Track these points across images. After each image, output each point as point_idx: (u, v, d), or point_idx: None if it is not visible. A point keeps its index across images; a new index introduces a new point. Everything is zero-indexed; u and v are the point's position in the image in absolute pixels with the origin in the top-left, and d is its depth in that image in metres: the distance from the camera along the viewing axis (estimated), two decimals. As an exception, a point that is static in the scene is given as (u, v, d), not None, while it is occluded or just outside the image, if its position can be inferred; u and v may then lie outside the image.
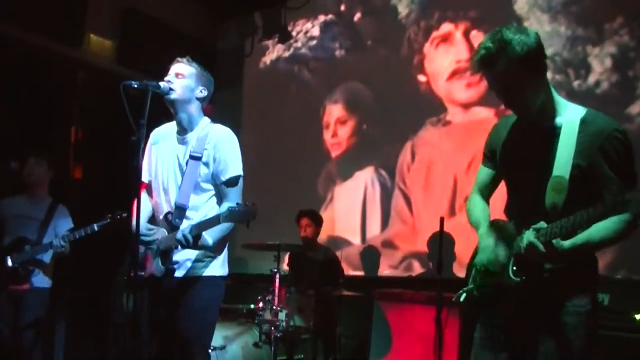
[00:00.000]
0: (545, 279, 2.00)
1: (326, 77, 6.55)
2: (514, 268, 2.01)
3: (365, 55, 6.26)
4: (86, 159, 6.03)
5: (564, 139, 1.98)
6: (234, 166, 2.88)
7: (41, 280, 4.25)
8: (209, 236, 2.73)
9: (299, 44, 6.83)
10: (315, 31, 6.71)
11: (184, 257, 2.80)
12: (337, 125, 6.36)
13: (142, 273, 2.75)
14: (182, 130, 2.93)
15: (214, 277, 2.86)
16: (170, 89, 2.82)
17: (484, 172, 2.31)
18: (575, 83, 4.74)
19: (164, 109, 2.95)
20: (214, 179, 2.86)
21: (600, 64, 4.67)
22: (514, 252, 2.03)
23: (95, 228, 4.00)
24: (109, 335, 4.97)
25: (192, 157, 2.84)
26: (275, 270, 4.57)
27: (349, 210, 6.05)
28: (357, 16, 6.40)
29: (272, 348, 4.39)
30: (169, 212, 2.82)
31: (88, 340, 5.22)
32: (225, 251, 2.97)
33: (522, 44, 1.90)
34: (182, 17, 6.82)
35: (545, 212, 1.94)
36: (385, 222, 5.79)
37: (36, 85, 5.48)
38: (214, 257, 2.86)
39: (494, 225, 2.20)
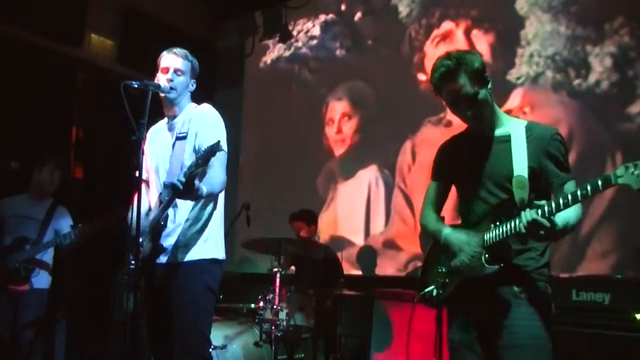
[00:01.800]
0: (512, 265, 2.20)
1: (327, 77, 6.55)
2: (486, 256, 2.20)
3: (365, 55, 6.26)
4: (87, 158, 6.04)
5: (516, 144, 2.24)
6: (213, 135, 2.74)
7: (41, 280, 4.25)
8: (201, 184, 2.60)
9: (299, 44, 6.83)
10: (316, 30, 6.71)
11: (168, 242, 2.77)
12: (341, 121, 6.35)
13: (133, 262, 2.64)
14: (171, 119, 2.96)
15: (202, 261, 2.79)
16: (172, 88, 2.84)
17: (434, 188, 2.57)
18: (576, 82, 4.74)
19: (158, 107, 2.96)
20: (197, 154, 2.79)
21: (600, 64, 4.66)
22: (485, 245, 2.20)
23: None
24: (109, 335, 4.98)
25: (177, 139, 2.85)
26: (276, 269, 4.57)
27: (353, 209, 6.04)
28: (358, 16, 6.40)
29: (273, 347, 4.39)
30: (159, 194, 2.79)
31: (88, 340, 5.23)
32: (217, 233, 2.90)
33: (474, 60, 2.22)
34: (182, 16, 6.83)
35: (514, 207, 2.16)
36: (389, 221, 5.79)
37: (37, 85, 5.48)
38: (197, 239, 2.79)
39: (455, 228, 2.40)
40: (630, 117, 4.48)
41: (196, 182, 2.51)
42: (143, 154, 2.64)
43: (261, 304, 4.52)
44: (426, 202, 2.58)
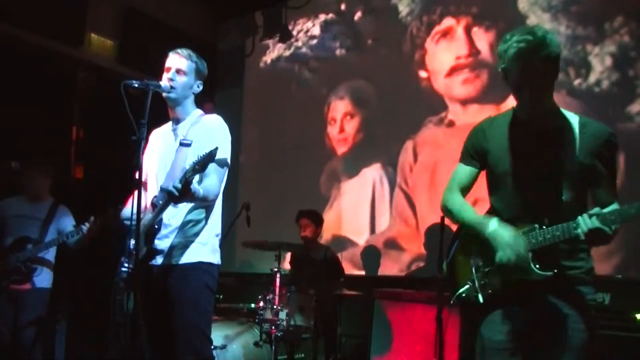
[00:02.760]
0: (565, 273, 2.08)
1: (327, 76, 6.55)
2: (537, 265, 2.04)
3: (365, 54, 6.26)
4: (87, 158, 6.04)
5: (569, 139, 2.08)
6: (222, 150, 2.73)
7: (43, 280, 4.25)
8: (199, 186, 2.63)
9: (299, 43, 6.83)
10: (316, 30, 6.71)
11: (164, 244, 2.77)
12: (344, 121, 6.35)
13: (126, 266, 2.73)
14: (176, 122, 2.95)
15: (200, 263, 2.78)
16: (172, 87, 2.83)
17: (465, 171, 2.31)
18: (576, 82, 4.75)
19: (164, 109, 2.96)
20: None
21: (600, 63, 4.66)
22: (530, 247, 2.05)
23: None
24: (109, 335, 4.98)
25: (181, 144, 2.83)
26: (276, 269, 4.57)
27: (356, 209, 6.03)
28: (358, 15, 6.39)
29: (273, 347, 4.39)
30: (154, 197, 2.78)
31: (88, 340, 5.23)
32: (214, 240, 2.89)
33: (557, 45, 2.07)
34: (183, 16, 6.83)
35: (560, 207, 2.03)
36: (391, 221, 5.77)
37: (37, 85, 5.49)
38: (194, 241, 2.79)
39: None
40: (631, 116, 4.49)
41: (192, 186, 2.52)
42: (144, 154, 2.63)
43: (261, 304, 4.52)
44: (452, 185, 2.32)
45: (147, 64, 5.98)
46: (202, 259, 2.80)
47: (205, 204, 2.82)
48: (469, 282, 2.21)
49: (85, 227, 4.07)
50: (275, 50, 7.05)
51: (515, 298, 2.12)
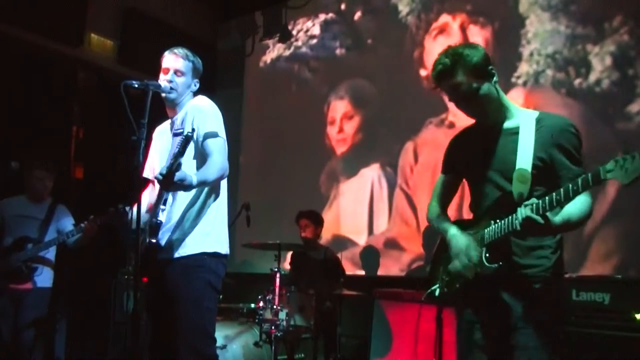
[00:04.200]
0: (519, 270, 2.15)
1: (327, 76, 6.55)
2: (487, 255, 2.16)
3: (365, 54, 6.26)
4: (87, 158, 6.04)
5: (523, 136, 2.18)
6: (209, 125, 2.77)
7: (43, 279, 4.26)
8: (192, 173, 2.59)
9: (299, 43, 6.83)
10: (316, 30, 6.71)
11: (167, 237, 2.74)
12: (343, 121, 6.35)
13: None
14: (173, 116, 2.97)
15: (203, 255, 2.74)
16: (172, 89, 2.84)
17: (442, 181, 2.51)
18: (576, 82, 4.74)
19: (163, 108, 2.96)
20: (197, 147, 2.79)
21: (600, 63, 4.66)
22: (485, 242, 2.17)
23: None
24: (109, 335, 4.98)
25: (175, 135, 2.86)
26: (276, 269, 4.57)
27: (355, 208, 6.03)
28: (358, 15, 6.40)
29: (273, 347, 4.39)
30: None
31: (88, 340, 5.23)
32: (220, 227, 2.86)
33: (472, 55, 2.16)
34: (183, 16, 6.83)
35: (514, 202, 2.10)
36: (391, 221, 5.77)
37: (37, 85, 5.49)
38: (194, 231, 2.75)
39: (459, 224, 2.37)
40: (630, 115, 4.48)
41: (179, 173, 2.47)
42: (146, 154, 2.62)
43: (261, 304, 4.53)
44: (433, 195, 2.53)
45: (147, 64, 5.95)
46: (206, 249, 2.75)
47: (210, 184, 2.77)
48: (439, 282, 2.40)
49: (83, 226, 4.07)
50: (275, 50, 7.05)
51: (474, 294, 2.24)
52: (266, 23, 7.03)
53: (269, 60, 7.10)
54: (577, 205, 2.04)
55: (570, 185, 1.92)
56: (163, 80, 2.87)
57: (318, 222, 5.47)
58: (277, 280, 4.51)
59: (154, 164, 2.98)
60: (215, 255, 2.79)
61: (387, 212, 5.81)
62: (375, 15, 6.26)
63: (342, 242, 5.97)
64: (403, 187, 5.73)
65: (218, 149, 2.74)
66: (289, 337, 4.58)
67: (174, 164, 2.46)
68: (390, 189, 5.83)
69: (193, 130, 2.56)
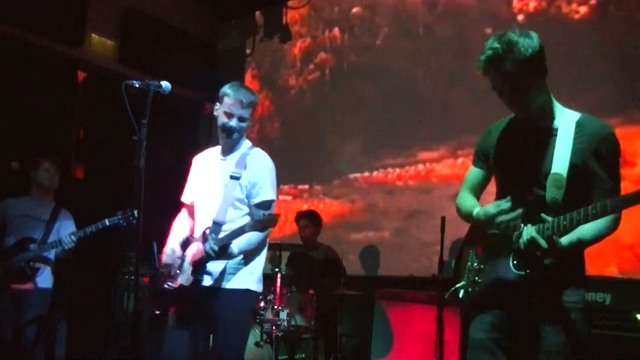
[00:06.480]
0: (545, 274, 2.06)
1: (327, 76, 6.54)
2: (514, 262, 2.07)
3: (366, 53, 6.25)
4: (88, 158, 6.04)
5: (561, 139, 2.07)
6: (266, 191, 3.03)
7: (45, 280, 4.27)
8: (235, 245, 2.87)
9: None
10: (316, 30, 6.70)
11: (215, 268, 2.95)
12: (343, 120, 6.34)
13: (172, 284, 2.97)
14: (225, 152, 3.12)
15: (247, 290, 3.00)
16: (236, 133, 3.02)
17: (475, 173, 2.40)
18: (576, 81, 4.74)
19: (164, 109, 2.96)
20: (247, 200, 3.02)
21: (600, 63, 4.65)
22: (513, 246, 2.07)
23: (107, 223, 4.04)
24: (109, 335, 4.98)
25: (232, 177, 2.99)
26: (276, 269, 4.57)
27: (357, 208, 6.03)
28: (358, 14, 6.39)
29: (274, 347, 4.40)
30: (207, 228, 2.98)
31: (88, 340, 5.23)
32: (259, 269, 3.09)
33: (527, 46, 2.00)
34: (183, 16, 6.82)
35: (547, 206, 2.02)
36: (394, 220, 5.76)
37: (38, 85, 5.48)
38: (242, 269, 2.99)
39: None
40: (631, 116, 4.48)
41: (231, 246, 2.83)
42: (144, 154, 2.64)
43: (262, 304, 4.52)
44: (463, 186, 2.41)
45: (148, 64, 5.99)
46: (249, 287, 3.02)
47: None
48: (465, 280, 2.30)
49: (75, 239, 4.11)
50: (275, 50, 7.04)
51: (497, 298, 2.16)
52: (266, 23, 7.02)
53: (269, 60, 7.09)
54: (593, 225, 1.96)
55: (590, 209, 1.87)
56: (225, 120, 3.00)
57: (317, 222, 5.47)
58: (278, 280, 4.51)
59: (194, 190, 3.16)
60: (255, 292, 3.08)
61: (388, 212, 5.80)
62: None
63: (342, 242, 5.96)
64: (404, 187, 5.73)
65: (267, 224, 2.85)
66: (290, 337, 4.59)
67: (228, 242, 2.81)
68: (390, 189, 5.82)
69: (277, 216, 2.80)
